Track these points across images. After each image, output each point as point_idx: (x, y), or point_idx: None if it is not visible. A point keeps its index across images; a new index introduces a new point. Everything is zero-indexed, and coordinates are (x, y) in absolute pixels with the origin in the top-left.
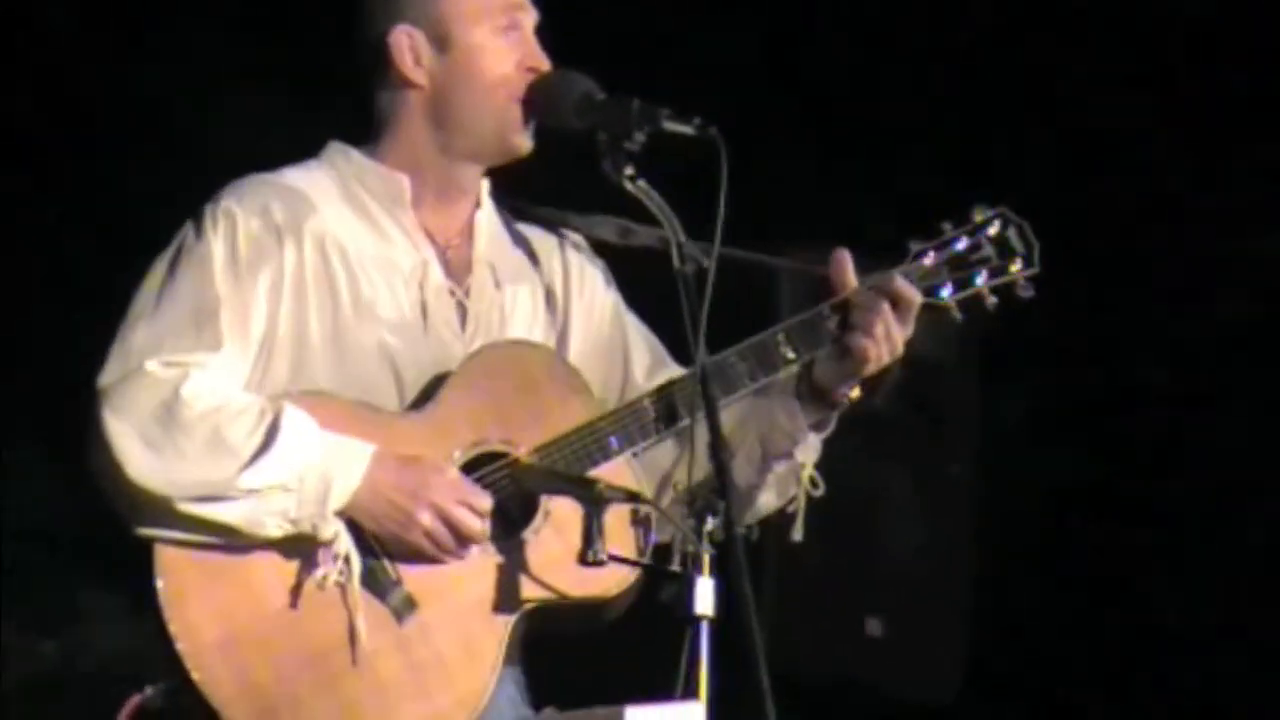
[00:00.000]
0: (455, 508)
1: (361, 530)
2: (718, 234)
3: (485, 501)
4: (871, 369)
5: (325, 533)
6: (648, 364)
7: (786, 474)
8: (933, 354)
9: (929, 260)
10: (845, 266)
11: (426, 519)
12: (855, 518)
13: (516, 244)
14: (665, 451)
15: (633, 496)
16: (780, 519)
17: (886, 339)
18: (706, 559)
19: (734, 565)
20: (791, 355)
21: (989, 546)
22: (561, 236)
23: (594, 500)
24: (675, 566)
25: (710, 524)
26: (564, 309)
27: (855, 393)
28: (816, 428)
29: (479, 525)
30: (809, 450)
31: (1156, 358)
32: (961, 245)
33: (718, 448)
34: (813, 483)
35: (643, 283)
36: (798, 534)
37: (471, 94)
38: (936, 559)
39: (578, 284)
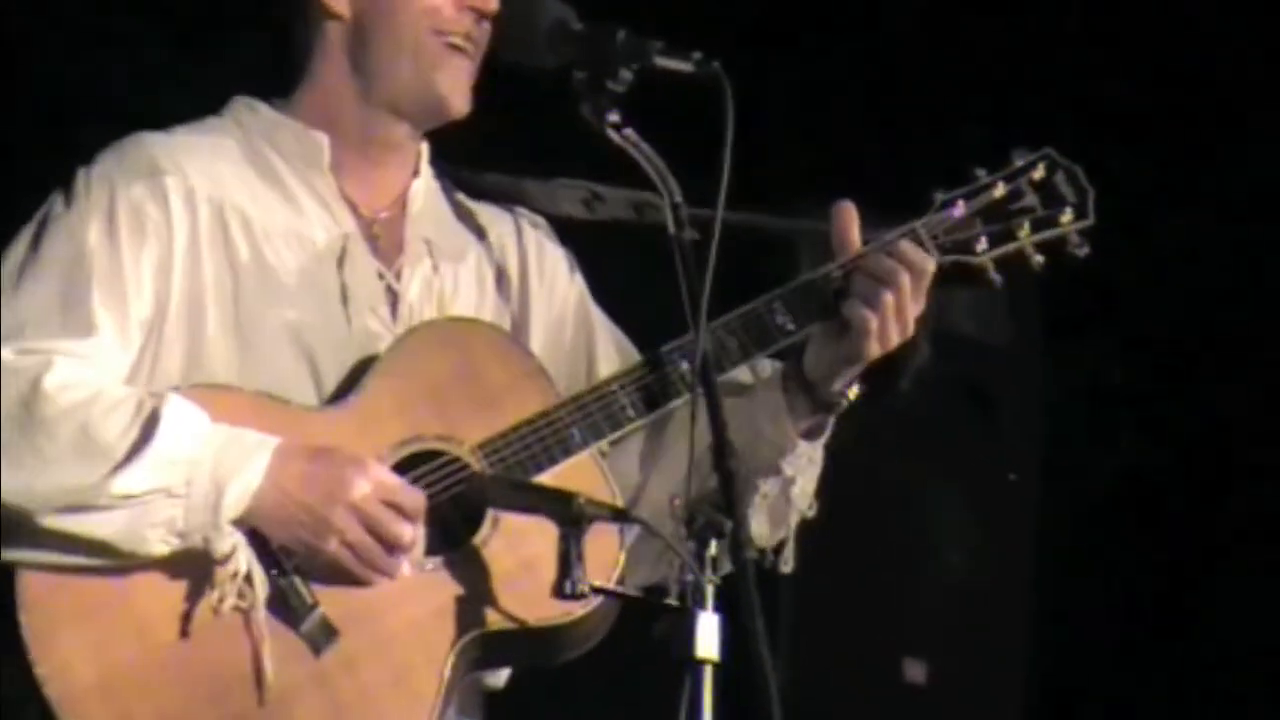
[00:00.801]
0: (381, 511)
1: (266, 542)
2: (722, 190)
3: (417, 502)
4: (874, 351)
5: (220, 546)
6: (616, 365)
7: (778, 496)
8: (983, 334)
9: (958, 211)
10: (848, 222)
11: (346, 525)
12: (889, 538)
13: (461, 220)
14: (629, 456)
15: (619, 514)
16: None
17: (894, 313)
18: (710, 590)
19: (743, 598)
20: (791, 326)
21: (1053, 573)
22: (517, 215)
23: (572, 519)
24: (673, 599)
25: (714, 548)
26: (519, 299)
27: (854, 390)
28: (810, 434)
29: (410, 533)
30: (802, 463)
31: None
32: (999, 192)
33: (723, 450)
34: (806, 500)
35: (610, 264)
36: (786, 565)
37: (391, 27)
38: (990, 588)
39: (536, 270)
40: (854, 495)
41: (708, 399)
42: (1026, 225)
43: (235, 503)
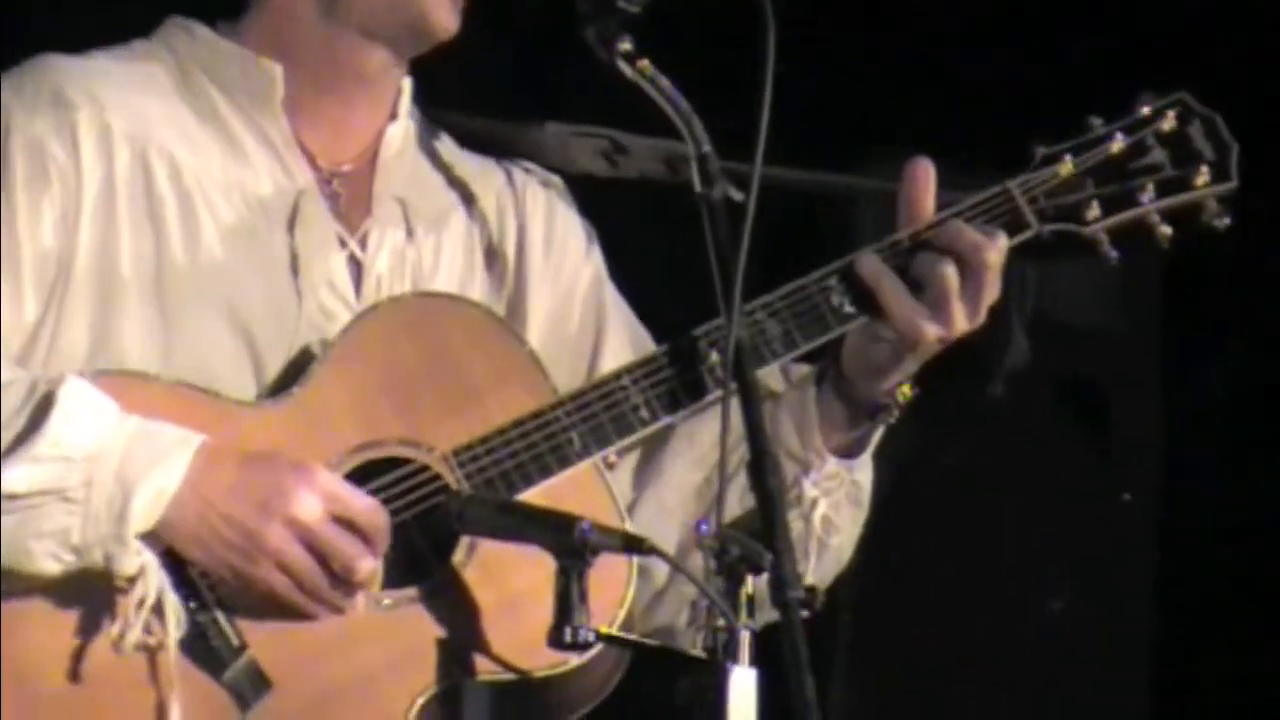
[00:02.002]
0: (329, 530)
1: (184, 565)
2: (760, 138)
3: (376, 520)
4: (928, 346)
5: (125, 566)
6: (625, 353)
7: (802, 532)
8: (1091, 322)
9: (1064, 167)
10: (922, 184)
11: (284, 546)
12: (973, 577)
13: (447, 177)
14: (621, 469)
15: (632, 543)
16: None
17: (955, 297)
18: (746, 640)
19: (787, 649)
20: (850, 309)
21: (1177, 615)
22: (520, 171)
23: (573, 550)
24: (699, 650)
25: (751, 586)
26: (516, 277)
27: (906, 389)
28: (847, 450)
29: (366, 559)
30: (830, 485)
31: None
32: (1117, 145)
33: (762, 464)
34: (825, 526)
35: (634, 234)
36: (818, 603)
37: None
38: (1096, 636)
39: (541, 240)
40: (930, 521)
41: (743, 398)
42: (1151, 188)
43: (145, 512)
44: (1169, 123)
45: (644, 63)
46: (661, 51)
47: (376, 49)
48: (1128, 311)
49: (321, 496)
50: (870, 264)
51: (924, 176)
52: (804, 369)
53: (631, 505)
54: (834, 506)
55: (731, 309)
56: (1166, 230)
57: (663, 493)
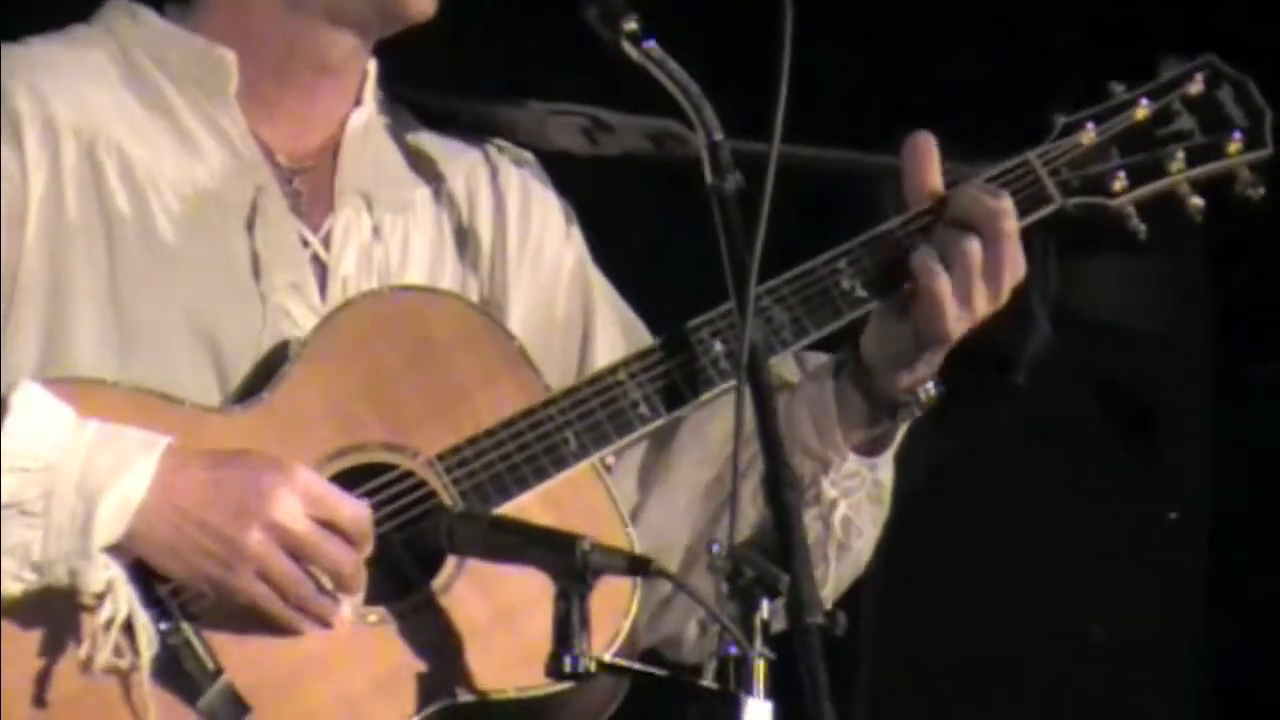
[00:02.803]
0: (314, 532)
1: (153, 579)
2: (778, 117)
3: (362, 521)
4: (952, 326)
5: (92, 582)
6: (618, 343)
7: (821, 533)
8: (1130, 318)
9: (1087, 136)
10: (923, 160)
11: (264, 551)
12: (999, 598)
13: (414, 162)
14: (624, 471)
15: (638, 564)
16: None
17: (976, 273)
18: (761, 668)
19: (806, 679)
20: (862, 292)
21: (1230, 643)
22: (492, 148)
23: (575, 572)
24: (710, 679)
25: (766, 610)
26: (493, 265)
27: (931, 388)
28: (868, 448)
29: (353, 563)
30: (851, 484)
31: None
32: (1142, 112)
33: (779, 476)
34: (845, 528)
35: (618, 215)
36: (839, 627)
37: None
38: (1140, 668)
39: (518, 224)
40: (956, 539)
41: (757, 406)
42: (1181, 156)
43: (111, 522)
44: (1196, 86)
45: (651, 44)
46: (669, 30)
47: (343, 36)
48: (1174, 310)
49: (302, 496)
50: (893, 240)
51: (926, 150)
52: (820, 358)
53: (637, 507)
54: (854, 507)
55: (745, 307)
56: (1198, 201)
57: (671, 493)
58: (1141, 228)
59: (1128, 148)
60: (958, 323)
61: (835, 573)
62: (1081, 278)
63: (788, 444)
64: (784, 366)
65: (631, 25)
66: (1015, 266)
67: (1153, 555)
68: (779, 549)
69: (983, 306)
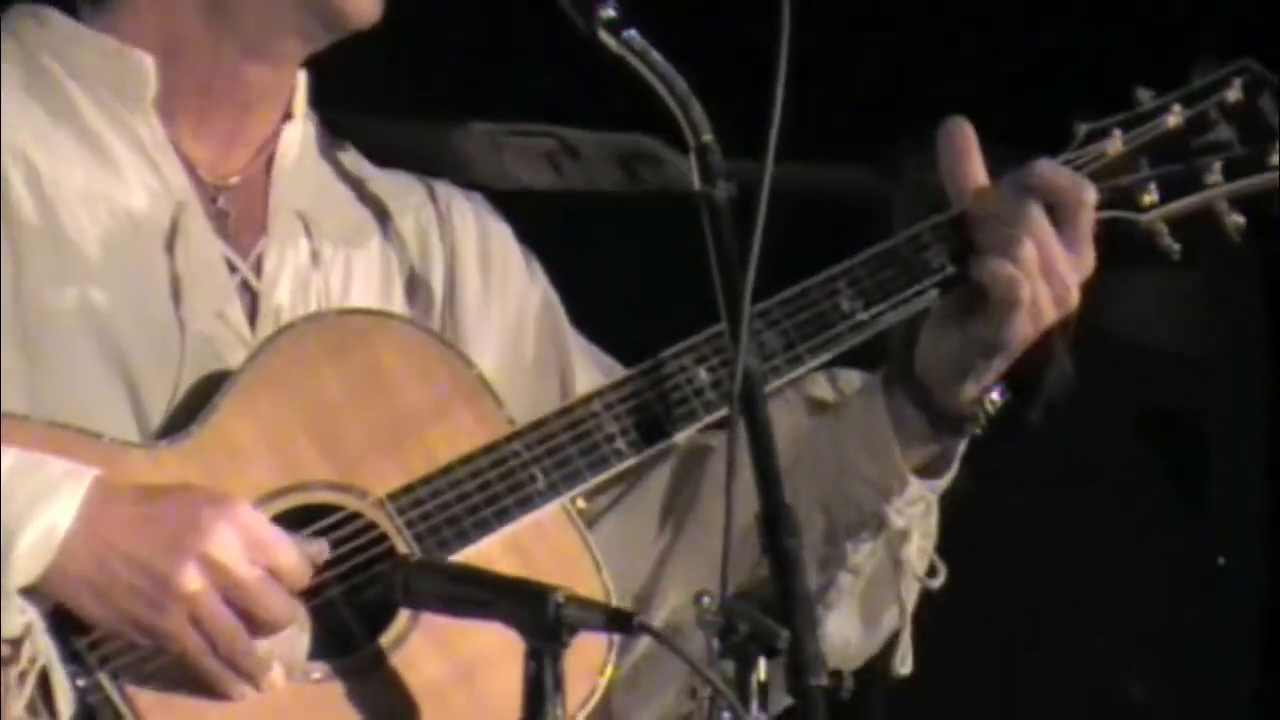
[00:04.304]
0: (251, 575)
1: (72, 629)
2: (773, 128)
3: (301, 563)
4: (1026, 330)
5: (5, 627)
6: (597, 380)
7: (882, 567)
8: (1179, 345)
9: (1113, 145)
10: (963, 148)
11: (197, 590)
12: (1029, 652)
13: (355, 192)
14: (648, 511)
15: (618, 619)
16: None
17: (1047, 270)
18: None
19: None
20: (863, 315)
21: None
22: (445, 185)
23: (546, 628)
24: None
25: (764, 670)
26: (449, 311)
27: (995, 396)
28: (930, 469)
29: (293, 612)
30: (918, 510)
31: None
32: (1174, 120)
33: (777, 520)
34: (930, 572)
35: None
36: (904, 665)
37: None
38: None
39: (478, 267)
40: (980, 586)
41: (753, 440)
42: (1218, 168)
43: (30, 559)
44: (1234, 93)
45: (632, 34)
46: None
47: (276, 44)
48: (1224, 334)
49: (240, 533)
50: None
51: (965, 138)
52: (855, 376)
53: (666, 550)
54: (922, 533)
55: (739, 330)
56: (1238, 219)
57: (699, 537)
58: (1175, 247)
59: (1158, 159)
60: (1035, 322)
61: (906, 604)
62: (1119, 295)
63: (837, 475)
64: (815, 385)
65: (609, 12)
66: (1085, 266)
67: (1200, 605)
68: (778, 600)
69: (1050, 311)
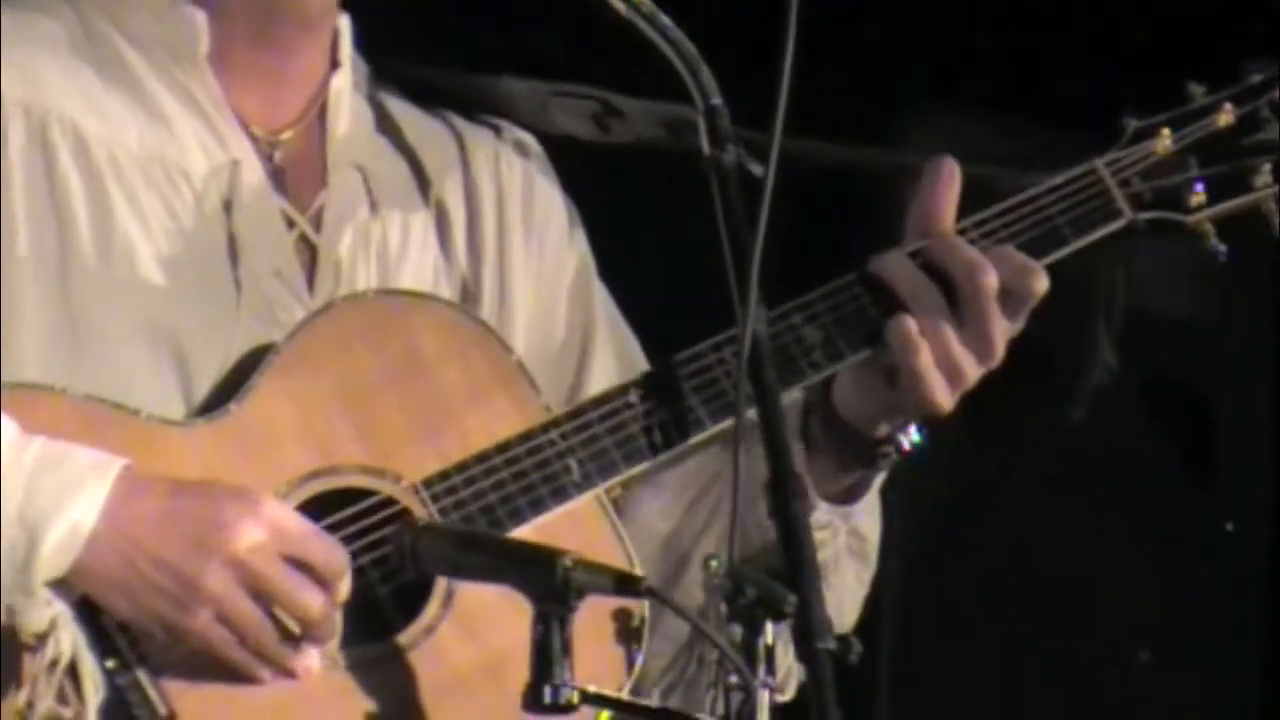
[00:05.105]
0: (279, 572)
1: (100, 617)
2: (781, 98)
3: (336, 560)
4: (943, 402)
5: (33, 621)
6: (612, 370)
7: None
8: (1187, 313)
9: (1161, 144)
10: (941, 190)
11: (224, 591)
12: (1039, 619)
13: (400, 141)
14: (647, 499)
15: (626, 583)
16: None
17: (934, 348)
18: (765, 701)
19: (818, 711)
20: (820, 356)
21: None
22: (496, 134)
23: (554, 592)
24: (708, 715)
25: (771, 635)
26: (500, 267)
27: (913, 436)
28: (845, 495)
29: (323, 607)
30: (825, 534)
31: None
32: (1225, 118)
33: (785, 485)
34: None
35: (629, 213)
36: (853, 654)
37: None
38: (1192, 694)
39: (520, 220)
40: (993, 553)
41: (761, 408)
42: (1267, 170)
43: (57, 554)
44: None
45: (645, 1)
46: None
47: None
48: (1233, 299)
49: (268, 530)
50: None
51: (946, 179)
52: (792, 397)
53: (689, 547)
54: (830, 563)
55: (747, 297)
56: None
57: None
58: (1221, 248)
59: (1207, 158)
60: (948, 395)
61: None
62: (1127, 263)
63: (746, 493)
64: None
65: None
66: (1002, 325)
67: (1207, 571)
68: (785, 566)
69: (973, 374)
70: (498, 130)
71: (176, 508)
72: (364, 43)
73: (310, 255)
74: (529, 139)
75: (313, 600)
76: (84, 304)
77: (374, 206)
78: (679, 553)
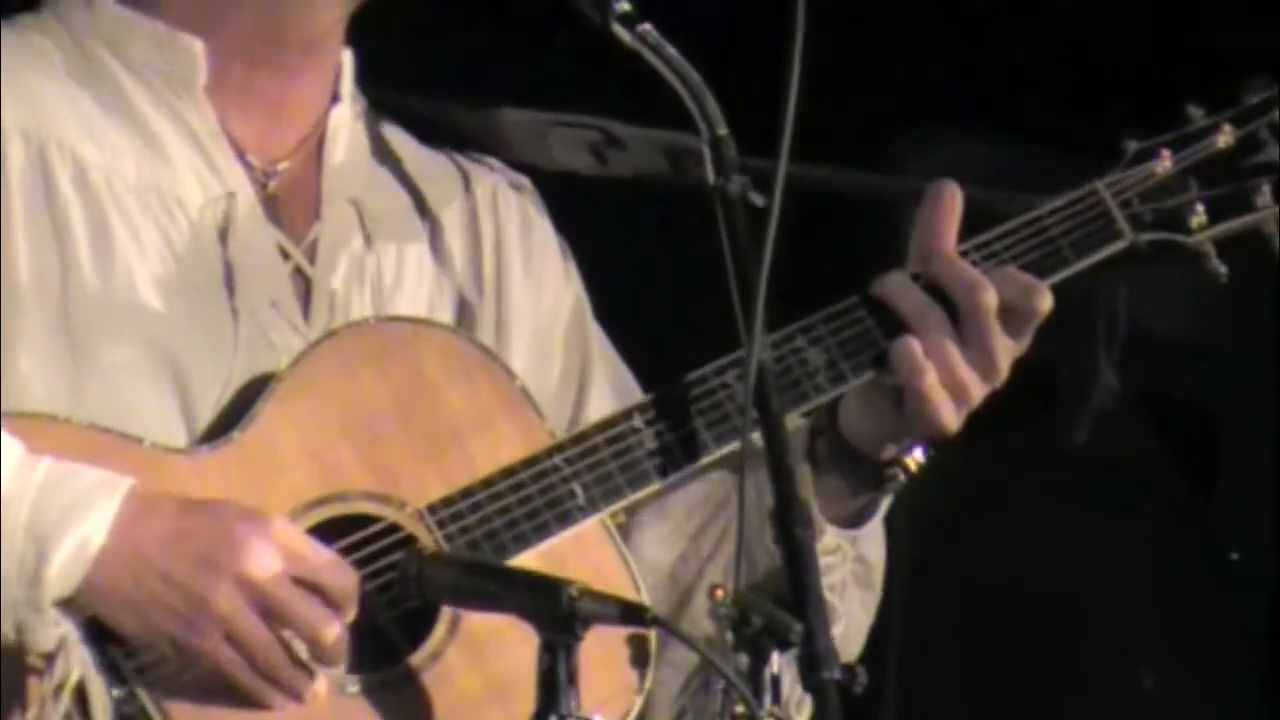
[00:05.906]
0: (291, 594)
1: (107, 637)
2: (787, 123)
3: (346, 584)
4: (949, 423)
5: (41, 641)
6: (610, 405)
7: None
8: (1190, 334)
9: (1162, 165)
10: (942, 214)
11: (234, 611)
12: (1041, 643)
13: (400, 174)
14: (652, 527)
15: (632, 612)
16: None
17: (939, 368)
18: None
19: None
20: (824, 380)
21: None
22: (488, 169)
23: (560, 621)
24: None
25: (777, 664)
26: (495, 300)
27: (918, 456)
28: (854, 519)
29: (334, 630)
30: (833, 559)
31: None
32: (1225, 139)
33: (789, 511)
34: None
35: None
36: (859, 684)
37: None
38: (1199, 714)
39: (519, 257)
40: (993, 576)
41: (766, 433)
42: (1267, 190)
43: (66, 571)
44: None
45: (647, 28)
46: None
47: (319, 9)
48: (1235, 323)
49: (280, 552)
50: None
51: (948, 203)
52: (796, 422)
53: (695, 578)
54: (836, 588)
55: (752, 324)
56: None
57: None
58: (1222, 269)
59: (1208, 179)
60: (954, 415)
61: None
62: (1131, 283)
63: (758, 521)
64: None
65: (624, 6)
66: (1005, 343)
67: (1211, 597)
68: (790, 594)
69: (978, 393)
70: (492, 168)
71: (186, 526)
72: (367, 76)
73: (305, 286)
74: (522, 178)
75: (323, 623)
76: (85, 328)
77: (368, 240)
78: (685, 581)
